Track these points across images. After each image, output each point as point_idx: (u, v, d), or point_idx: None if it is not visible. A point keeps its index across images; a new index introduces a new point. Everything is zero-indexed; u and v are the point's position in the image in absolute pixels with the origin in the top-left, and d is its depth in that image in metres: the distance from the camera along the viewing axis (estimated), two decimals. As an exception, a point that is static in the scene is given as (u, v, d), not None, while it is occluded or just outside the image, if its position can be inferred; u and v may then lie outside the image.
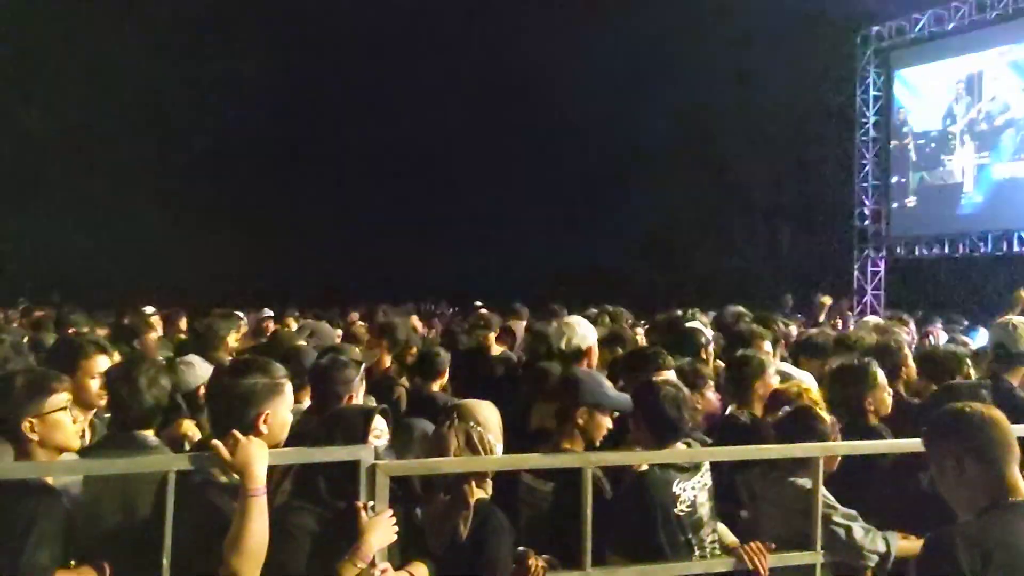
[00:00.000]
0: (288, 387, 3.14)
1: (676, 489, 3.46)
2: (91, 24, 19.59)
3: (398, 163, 23.18)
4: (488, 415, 3.44)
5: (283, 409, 3.07)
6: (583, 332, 5.24)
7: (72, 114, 19.81)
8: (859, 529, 3.57)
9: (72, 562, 2.89)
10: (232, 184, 21.75)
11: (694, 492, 3.50)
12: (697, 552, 3.47)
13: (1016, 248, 17.14)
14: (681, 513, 3.45)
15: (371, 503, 2.95)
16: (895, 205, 19.77)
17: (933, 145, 19.15)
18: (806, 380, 4.76)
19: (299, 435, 3.30)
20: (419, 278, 19.28)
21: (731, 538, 3.65)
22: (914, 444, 3.09)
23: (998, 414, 2.62)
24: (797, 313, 12.04)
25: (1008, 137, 17.67)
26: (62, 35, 19.69)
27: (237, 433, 2.84)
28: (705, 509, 3.54)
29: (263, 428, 2.97)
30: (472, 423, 3.33)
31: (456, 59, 21.63)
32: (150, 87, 21.25)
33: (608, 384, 3.82)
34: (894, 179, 19.79)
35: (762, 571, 3.45)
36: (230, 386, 3.02)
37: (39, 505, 2.77)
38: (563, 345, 5.14)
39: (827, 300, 11.64)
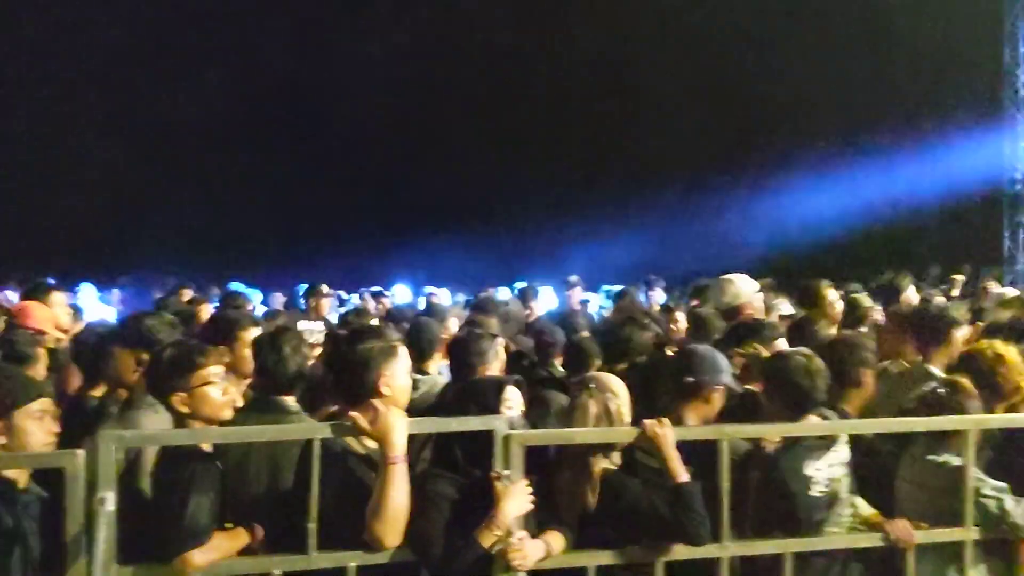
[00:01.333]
0: (402, 350, 3.22)
1: (809, 471, 3.38)
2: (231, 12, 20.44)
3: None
4: (620, 387, 3.45)
5: (400, 371, 3.16)
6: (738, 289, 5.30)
7: (211, 101, 20.62)
8: (1010, 500, 3.42)
9: (228, 524, 3.05)
10: (368, 171, 22.15)
11: (830, 469, 3.42)
12: (832, 528, 3.39)
13: None
14: (818, 494, 3.38)
15: (506, 472, 2.99)
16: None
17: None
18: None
19: (437, 405, 3.38)
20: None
21: (869, 510, 3.53)
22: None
23: None
24: (942, 284, 11.51)
25: None
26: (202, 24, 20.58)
27: (377, 402, 2.94)
28: (842, 485, 3.45)
29: (384, 390, 3.06)
30: (609, 394, 3.35)
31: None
32: (288, 74, 21.91)
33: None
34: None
35: (908, 547, 3.34)
36: (347, 353, 3.13)
37: (197, 470, 2.93)
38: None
39: (959, 276, 11.12)
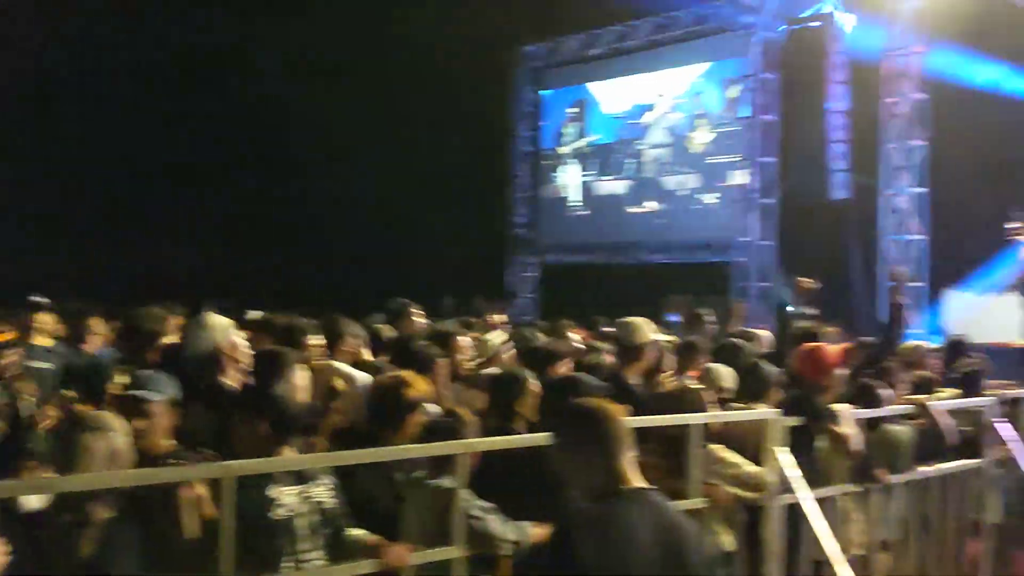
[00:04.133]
0: None
1: (271, 492, 3.31)
2: None
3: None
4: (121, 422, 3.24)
5: None
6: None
7: None
8: (494, 520, 3.76)
9: None
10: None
11: (293, 499, 3.37)
12: (293, 564, 3.33)
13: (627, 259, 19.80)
14: (278, 519, 3.31)
15: None
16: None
17: (546, 162, 21.85)
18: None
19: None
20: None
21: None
22: (547, 438, 3.32)
23: (611, 408, 2.92)
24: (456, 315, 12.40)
25: (606, 158, 20.58)
26: None
27: None
28: (303, 522, 3.38)
29: None
30: (112, 432, 3.13)
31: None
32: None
33: None
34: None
35: (403, 565, 3.51)
36: None
37: None
38: None
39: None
